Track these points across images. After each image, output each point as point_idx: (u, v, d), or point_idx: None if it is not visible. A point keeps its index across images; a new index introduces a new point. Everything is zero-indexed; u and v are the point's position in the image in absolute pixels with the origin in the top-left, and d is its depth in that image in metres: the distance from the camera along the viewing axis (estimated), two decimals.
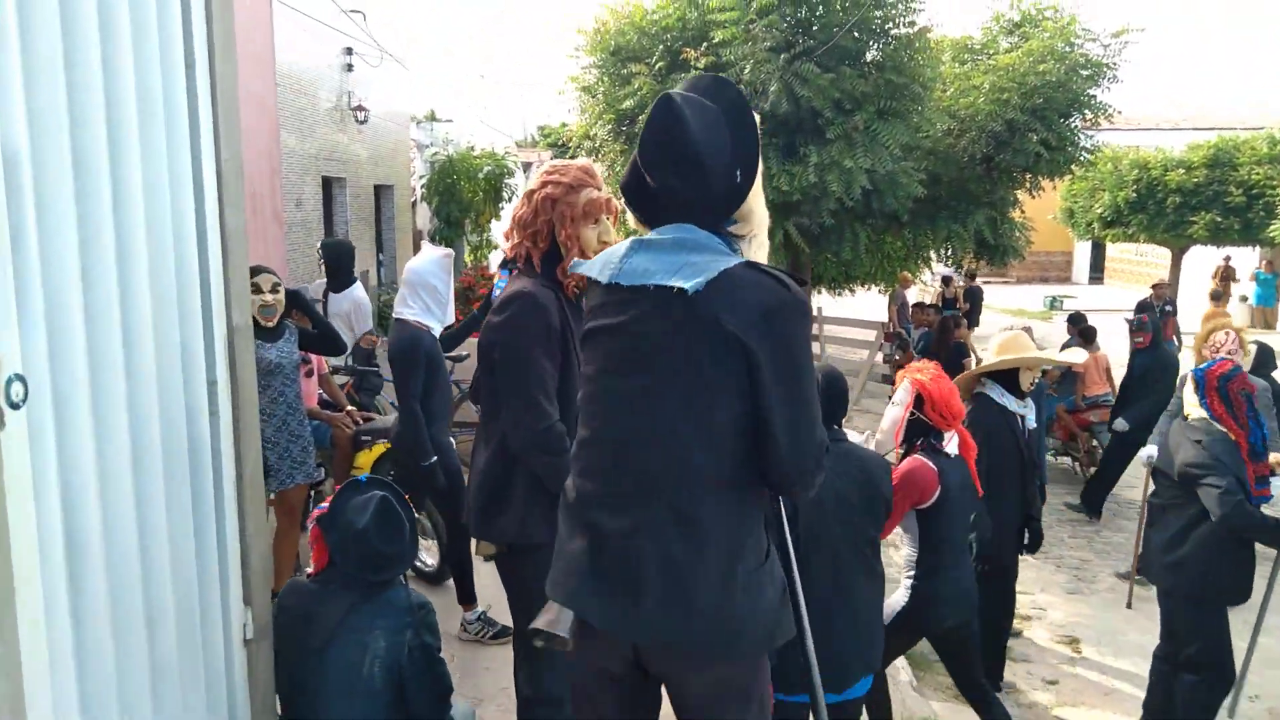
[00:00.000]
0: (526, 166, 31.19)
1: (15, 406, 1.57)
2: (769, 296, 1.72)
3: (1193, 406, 3.81)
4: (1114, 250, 27.15)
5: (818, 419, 1.79)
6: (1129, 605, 5.77)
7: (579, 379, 1.92)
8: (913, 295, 14.18)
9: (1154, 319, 7.34)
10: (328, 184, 9.84)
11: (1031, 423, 4.38)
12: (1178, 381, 5.87)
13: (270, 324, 3.90)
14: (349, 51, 9.76)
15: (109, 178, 1.91)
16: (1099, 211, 17.75)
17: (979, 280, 16.28)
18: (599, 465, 1.80)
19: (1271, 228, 13.41)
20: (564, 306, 2.42)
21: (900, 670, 4.66)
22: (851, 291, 14.39)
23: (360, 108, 10.12)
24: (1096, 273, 29.01)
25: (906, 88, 7.85)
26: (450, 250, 4.25)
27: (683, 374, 1.72)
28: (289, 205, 7.84)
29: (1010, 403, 4.21)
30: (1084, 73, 8.61)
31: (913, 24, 8.09)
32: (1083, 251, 29.00)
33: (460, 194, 12.76)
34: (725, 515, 1.74)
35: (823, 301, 12.10)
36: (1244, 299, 19.21)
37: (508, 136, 24.83)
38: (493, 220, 13.44)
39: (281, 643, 2.66)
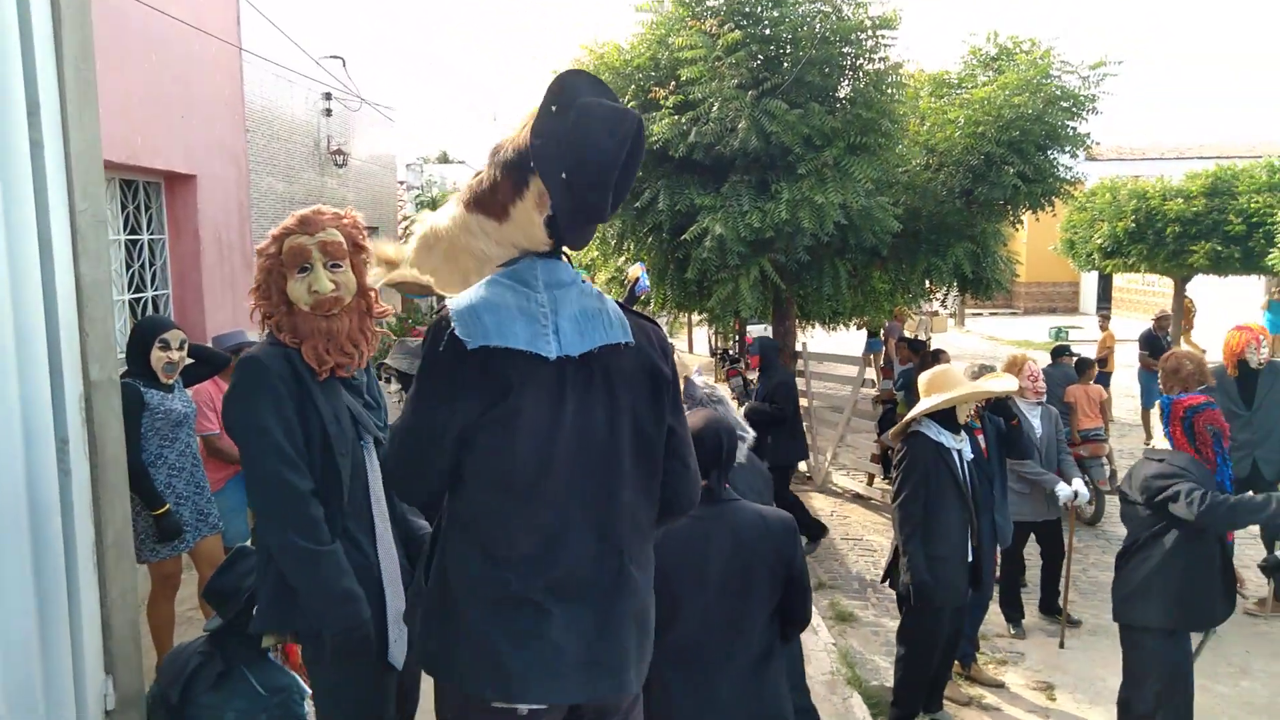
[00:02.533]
0: None
1: None
2: (658, 331, 1.84)
3: (1158, 436, 3.87)
4: (1120, 280, 26.95)
5: None
6: (1061, 645, 5.61)
7: (481, 459, 1.70)
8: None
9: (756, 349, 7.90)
10: None
11: (969, 454, 4.29)
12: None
13: (169, 380, 3.82)
14: (327, 97, 9.82)
15: None
16: (1099, 242, 17.54)
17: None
18: (550, 544, 1.69)
19: (1271, 256, 13.20)
20: (299, 367, 2.21)
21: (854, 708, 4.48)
22: (847, 327, 14.28)
23: (339, 151, 10.16)
24: (1104, 303, 28.75)
25: (877, 123, 7.77)
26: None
27: (637, 430, 1.75)
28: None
29: (947, 439, 4.15)
30: (1062, 105, 8.52)
31: (885, 59, 8.04)
32: (1090, 282, 28.82)
33: None
34: (651, 557, 1.87)
35: (811, 338, 11.96)
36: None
37: None
38: None
39: (155, 712, 2.56)
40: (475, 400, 1.64)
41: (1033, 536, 5.97)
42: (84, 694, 2.30)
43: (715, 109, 7.46)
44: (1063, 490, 5.45)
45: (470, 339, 1.62)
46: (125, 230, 6.30)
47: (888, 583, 4.55)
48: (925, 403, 4.23)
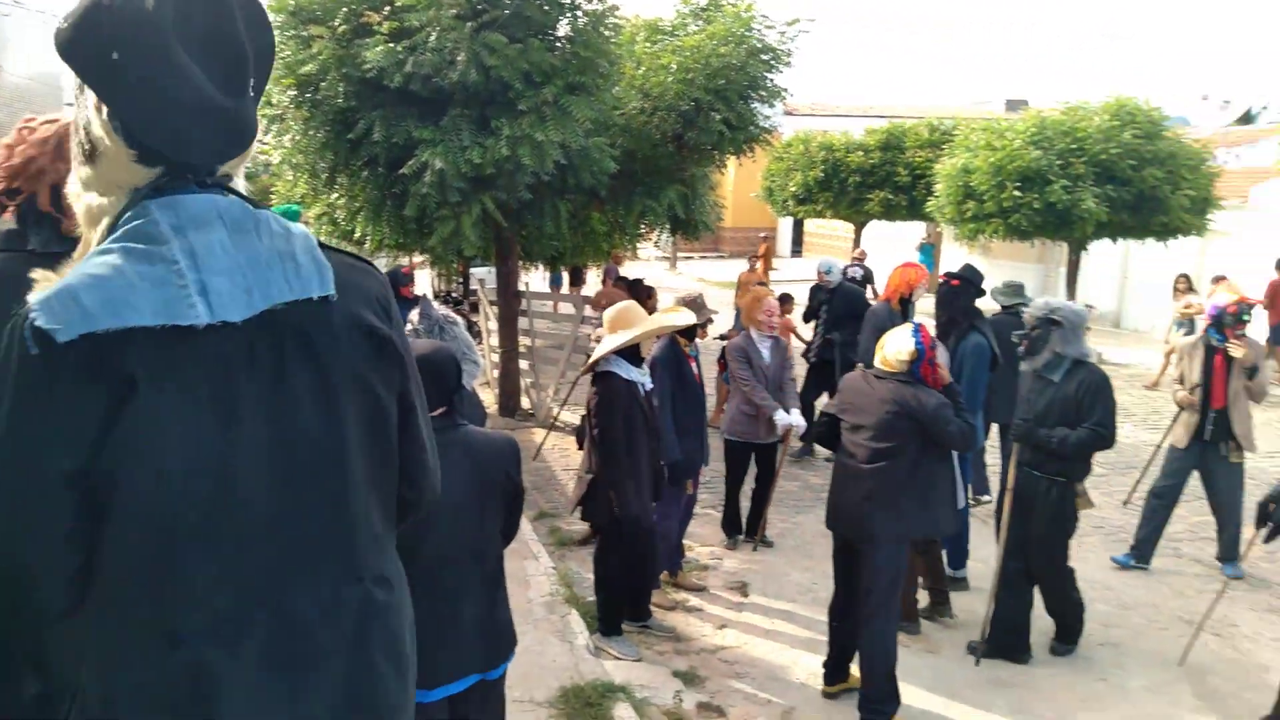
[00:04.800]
0: None
1: None
2: (377, 283, 1.40)
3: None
4: (811, 225, 29.61)
5: None
6: (755, 549, 6.28)
7: (123, 500, 1.18)
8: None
9: None
10: None
11: (649, 385, 4.63)
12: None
13: None
14: None
15: None
16: (793, 190, 19.26)
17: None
18: (250, 595, 1.23)
19: (929, 204, 15.13)
20: None
21: (579, 634, 4.76)
22: (569, 268, 14.58)
23: None
24: (797, 246, 31.54)
25: (595, 64, 7.95)
26: None
27: (367, 409, 1.33)
28: None
29: (635, 374, 4.46)
30: (762, 57, 9.17)
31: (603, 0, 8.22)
32: (786, 227, 31.40)
33: None
34: (398, 567, 1.47)
35: (533, 278, 12.16)
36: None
37: None
38: None
39: None
40: (85, 418, 1.13)
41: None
42: None
43: (433, 39, 7.26)
44: (781, 417, 5.93)
45: (62, 328, 1.11)
46: None
47: (580, 513, 4.80)
48: (611, 340, 4.47)
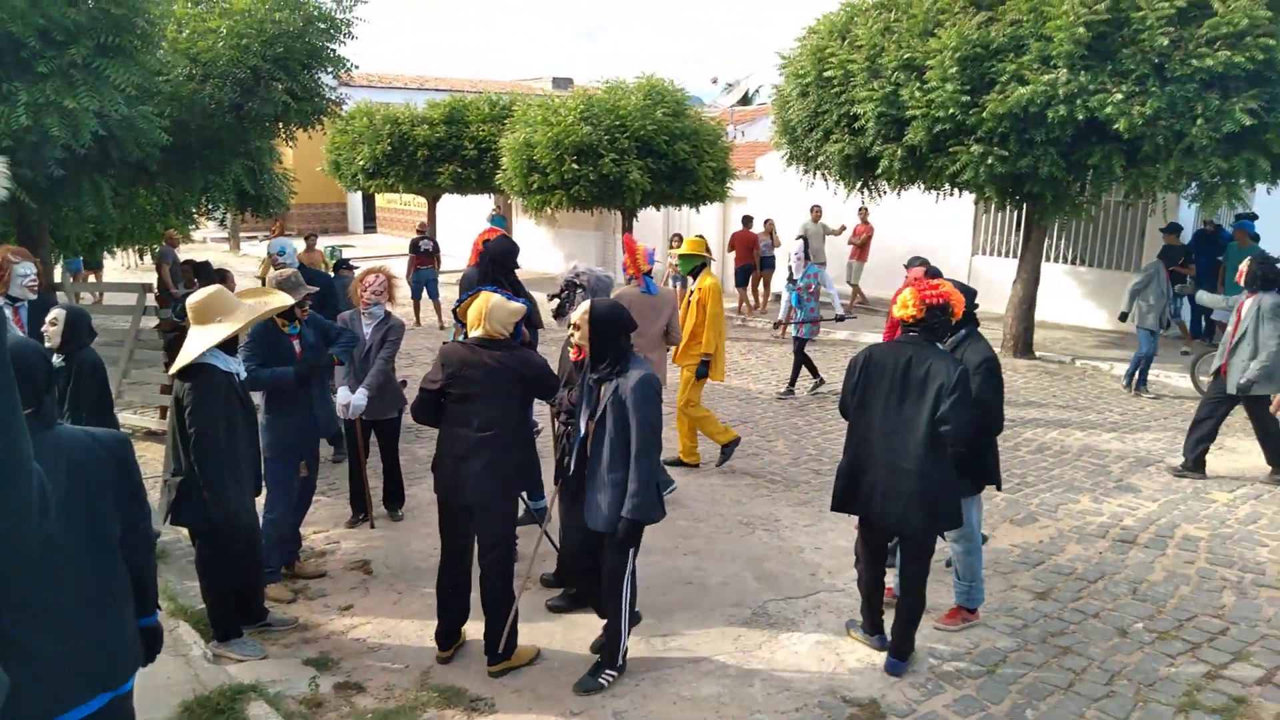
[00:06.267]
0: None
1: None
2: None
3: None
4: (382, 200, 29.10)
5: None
6: (372, 525, 6.32)
7: None
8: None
9: None
10: None
11: (243, 374, 4.52)
12: None
13: None
14: None
15: None
16: (361, 164, 18.79)
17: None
18: None
19: (498, 177, 15.73)
20: None
21: (193, 645, 4.46)
22: (112, 254, 12.83)
23: None
24: (370, 222, 30.81)
25: (131, 22, 7.11)
26: None
27: None
28: None
29: (233, 364, 4.31)
30: (320, 25, 8.85)
31: None
32: (356, 202, 30.48)
33: None
34: None
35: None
36: None
37: None
38: None
39: None
40: None
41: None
42: None
43: None
44: (341, 395, 5.87)
45: None
46: None
47: (168, 521, 4.40)
48: (209, 334, 4.21)
